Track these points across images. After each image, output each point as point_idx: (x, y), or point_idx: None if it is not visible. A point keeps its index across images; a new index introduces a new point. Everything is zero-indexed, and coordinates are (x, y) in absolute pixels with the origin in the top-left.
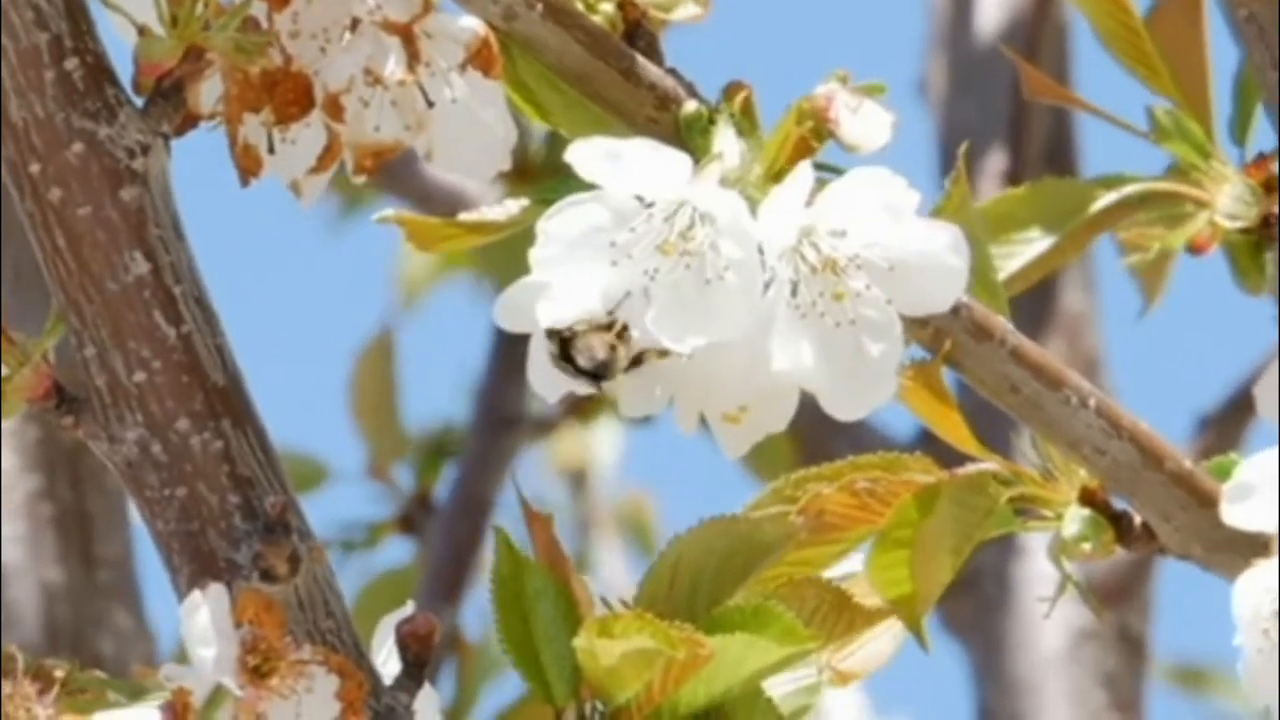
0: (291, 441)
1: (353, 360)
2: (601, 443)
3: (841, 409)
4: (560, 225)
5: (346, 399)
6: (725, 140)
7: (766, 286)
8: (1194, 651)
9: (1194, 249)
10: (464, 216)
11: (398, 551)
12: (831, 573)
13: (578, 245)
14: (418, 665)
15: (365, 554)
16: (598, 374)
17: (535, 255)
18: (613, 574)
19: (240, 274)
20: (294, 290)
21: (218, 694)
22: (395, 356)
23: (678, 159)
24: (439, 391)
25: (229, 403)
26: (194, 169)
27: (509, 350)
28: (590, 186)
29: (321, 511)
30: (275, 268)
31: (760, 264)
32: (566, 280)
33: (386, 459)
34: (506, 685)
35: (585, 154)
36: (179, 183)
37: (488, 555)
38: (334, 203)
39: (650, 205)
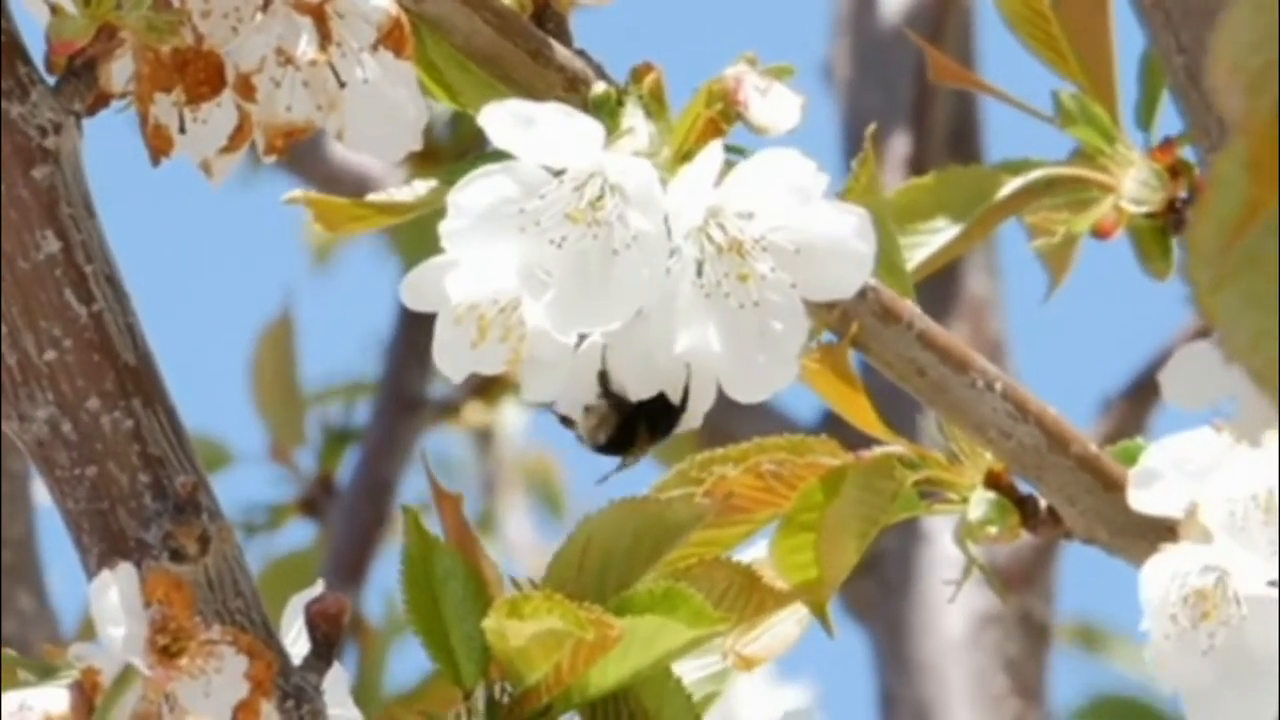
0: (194, 423)
1: (253, 341)
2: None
3: (743, 391)
4: (470, 197)
5: (247, 381)
6: (634, 121)
7: (669, 268)
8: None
9: (1099, 233)
10: (372, 198)
11: (300, 534)
12: (738, 556)
13: (487, 217)
14: (327, 645)
15: (267, 536)
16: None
17: (445, 228)
18: (518, 533)
19: (145, 253)
20: (197, 270)
21: (127, 673)
22: (295, 338)
23: (591, 126)
24: (342, 367)
25: (140, 382)
26: (105, 148)
27: (411, 333)
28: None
29: (224, 494)
30: (180, 247)
31: (667, 238)
32: (476, 256)
33: (288, 441)
34: (410, 668)
35: (498, 118)
36: (90, 161)
37: (390, 538)
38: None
39: (560, 174)
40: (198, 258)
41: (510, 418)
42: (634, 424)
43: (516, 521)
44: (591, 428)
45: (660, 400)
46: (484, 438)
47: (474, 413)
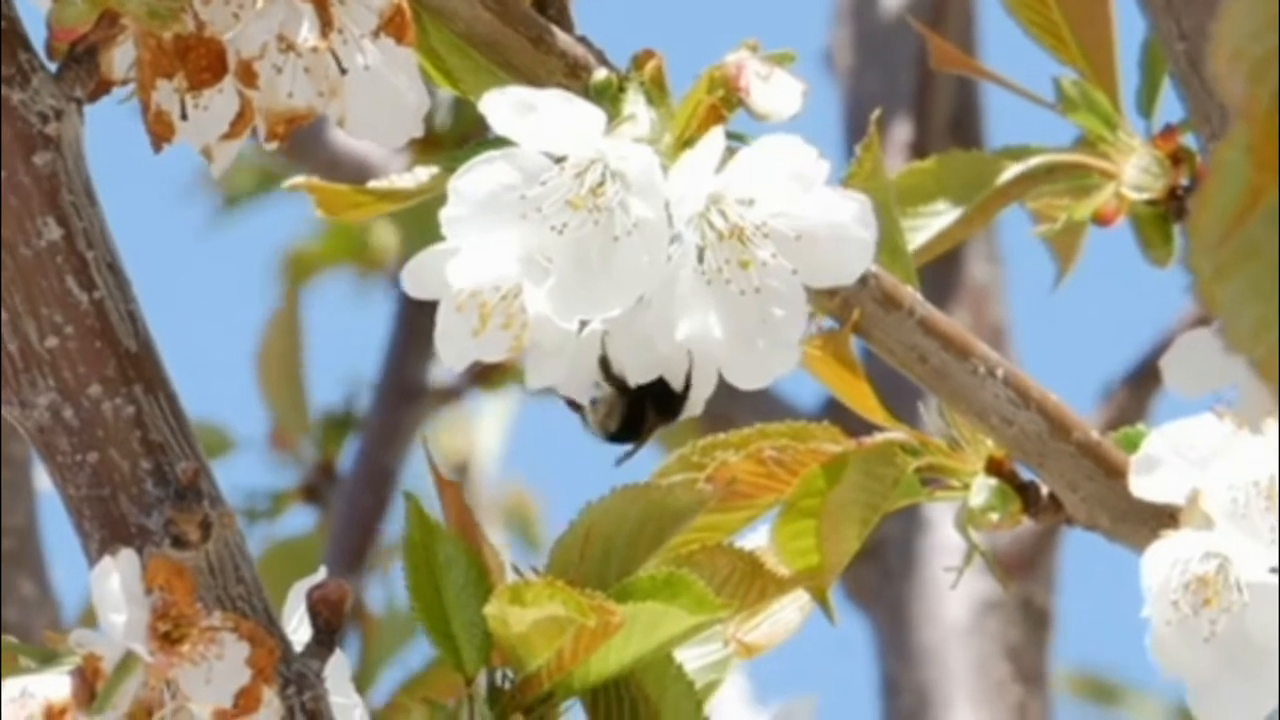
0: (195, 410)
1: (260, 330)
2: (485, 435)
3: (743, 378)
4: (470, 184)
5: (253, 369)
6: (636, 108)
7: (670, 255)
8: (1099, 658)
9: (1100, 220)
10: (373, 184)
11: (301, 521)
12: (740, 543)
13: (488, 204)
14: (329, 631)
15: (269, 523)
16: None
17: (445, 214)
18: None
19: (147, 241)
20: (197, 257)
21: (128, 660)
22: (302, 327)
23: (592, 112)
24: (344, 362)
25: (141, 368)
26: (107, 134)
27: (413, 321)
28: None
29: (225, 480)
30: (181, 235)
31: (668, 224)
32: (477, 242)
33: (291, 428)
34: (411, 655)
35: (500, 105)
36: (91, 148)
37: (391, 525)
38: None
39: (562, 160)
40: (197, 247)
41: (487, 454)
42: (642, 409)
43: None
44: (601, 418)
45: (664, 383)
46: (460, 471)
47: (452, 444)
